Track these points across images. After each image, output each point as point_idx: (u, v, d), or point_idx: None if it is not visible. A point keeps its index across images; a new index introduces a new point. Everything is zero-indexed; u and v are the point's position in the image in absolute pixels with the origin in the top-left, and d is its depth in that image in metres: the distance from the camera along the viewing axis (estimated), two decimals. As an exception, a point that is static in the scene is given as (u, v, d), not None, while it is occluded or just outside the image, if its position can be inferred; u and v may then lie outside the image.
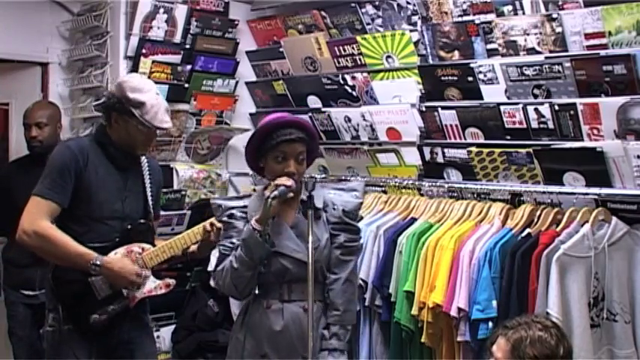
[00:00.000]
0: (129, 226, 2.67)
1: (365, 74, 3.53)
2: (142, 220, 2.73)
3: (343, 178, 3.56)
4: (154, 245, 2.73)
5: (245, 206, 2.45)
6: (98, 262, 2.50)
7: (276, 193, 2.25)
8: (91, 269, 2.51)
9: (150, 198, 2.79)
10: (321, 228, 2.41)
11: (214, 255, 3.66)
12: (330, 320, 2.40)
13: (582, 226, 2.59)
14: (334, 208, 2.44)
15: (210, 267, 3.73)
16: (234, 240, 2.38)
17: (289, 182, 2.30)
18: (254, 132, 2.43)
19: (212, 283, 3.76)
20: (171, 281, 2.77)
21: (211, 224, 2.65)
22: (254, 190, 3.06)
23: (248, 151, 2.45)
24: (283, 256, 2.35)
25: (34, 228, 2.49)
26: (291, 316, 2.33)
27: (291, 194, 2.32)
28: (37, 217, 2.50)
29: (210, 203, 2.58)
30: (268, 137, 2.36)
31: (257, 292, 2.39)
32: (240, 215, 2.42)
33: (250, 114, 4.25)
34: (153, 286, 2.70)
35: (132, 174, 2.74)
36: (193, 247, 2.78)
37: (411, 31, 3.32)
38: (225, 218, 2.45)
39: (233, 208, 2.45)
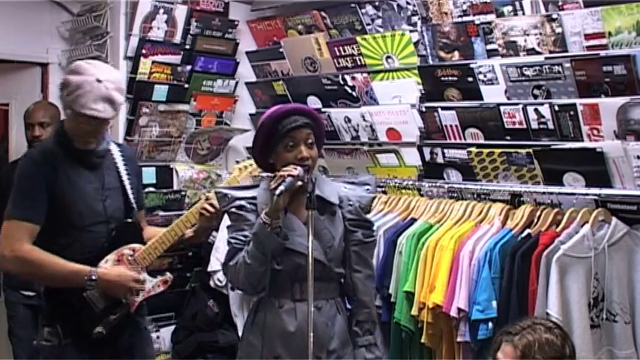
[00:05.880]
0: (114, 231, 2.50)
1: (365, 75, 3.53)
2: (128, 220, 2.56)
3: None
4: (144, 243, 2.58)
5: (254, 197, 2.36)
6: (94, 277, 2.37)
7: (282, 188, 2.15)
8: (86, 285, 2.37)
9: (130, 192, 2.58)
10: (336, 225, 2.36)
11: (214, 255, 3.67)
12: (361, 318, 2.40)
13: (582, 226, 2.59)
14: (350, 204, 2.38)
15: (210, 267, 3.73)
16: (246, 233, 2.30)
17: (295, 171, 2.20)
18: (258, 128, 2.34)
19: (211, 284, 3.78)
20: (169, 276, 2.66)
21: (210, 204, 2.52)
22: (243, 167, 2.89)
23: (255, 149, 2.38)
24: (296, 253, 2.27)
25: (16, 254, 2.32)
26: (304, 317, 2.24)
27: (300, 182, 2.21)
28: (16, 241, 2.32)
29: (215, 193, 2.45)
30: (274, 129, 2.29)
31: (267, 291, 2.33)
32: (250, 207, 2.33)
33: (250, 114, 4.25)
34: (150, 285, 2.59)
35: (106, 169, 2.52)
36: (189, 232, 2.65)
37: (410, 31, 3.31)
38: (234, 210, 2.34)
39: (241, 198, 2.35)
